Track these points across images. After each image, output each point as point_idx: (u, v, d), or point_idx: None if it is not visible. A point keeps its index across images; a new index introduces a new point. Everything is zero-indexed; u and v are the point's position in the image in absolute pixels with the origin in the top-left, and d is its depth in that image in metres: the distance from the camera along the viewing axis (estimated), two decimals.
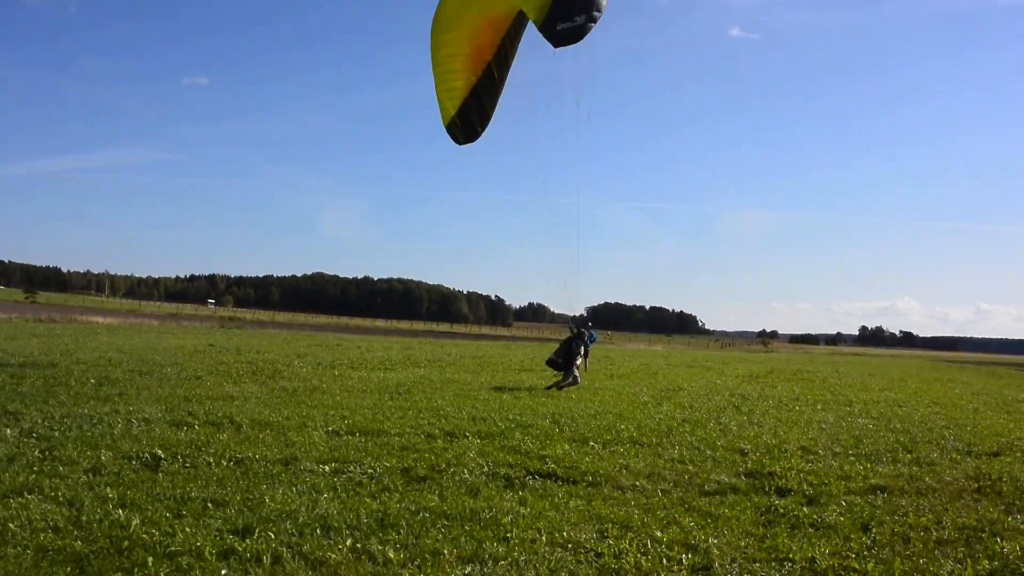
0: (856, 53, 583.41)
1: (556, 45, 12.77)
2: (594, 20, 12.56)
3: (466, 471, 12.32)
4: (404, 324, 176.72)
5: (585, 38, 12.64)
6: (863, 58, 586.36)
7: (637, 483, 12.01)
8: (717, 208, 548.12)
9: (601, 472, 12.53)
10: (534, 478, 12.12)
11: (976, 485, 12.76)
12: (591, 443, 15.30)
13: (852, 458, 14.96)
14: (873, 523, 10.22)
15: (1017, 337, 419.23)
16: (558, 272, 19.81)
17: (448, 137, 16.20)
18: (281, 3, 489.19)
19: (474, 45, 15.23)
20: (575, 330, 26.59)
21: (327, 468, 12.19)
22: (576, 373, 26.04)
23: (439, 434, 15.60)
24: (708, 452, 14.88)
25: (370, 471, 12.09)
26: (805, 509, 10.81)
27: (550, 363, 27.03)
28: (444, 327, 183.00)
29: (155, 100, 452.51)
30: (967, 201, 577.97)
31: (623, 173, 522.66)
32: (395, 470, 12.22)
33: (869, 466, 13.98)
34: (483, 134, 16.12)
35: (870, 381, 41.39)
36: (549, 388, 25.81)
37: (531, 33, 14.55)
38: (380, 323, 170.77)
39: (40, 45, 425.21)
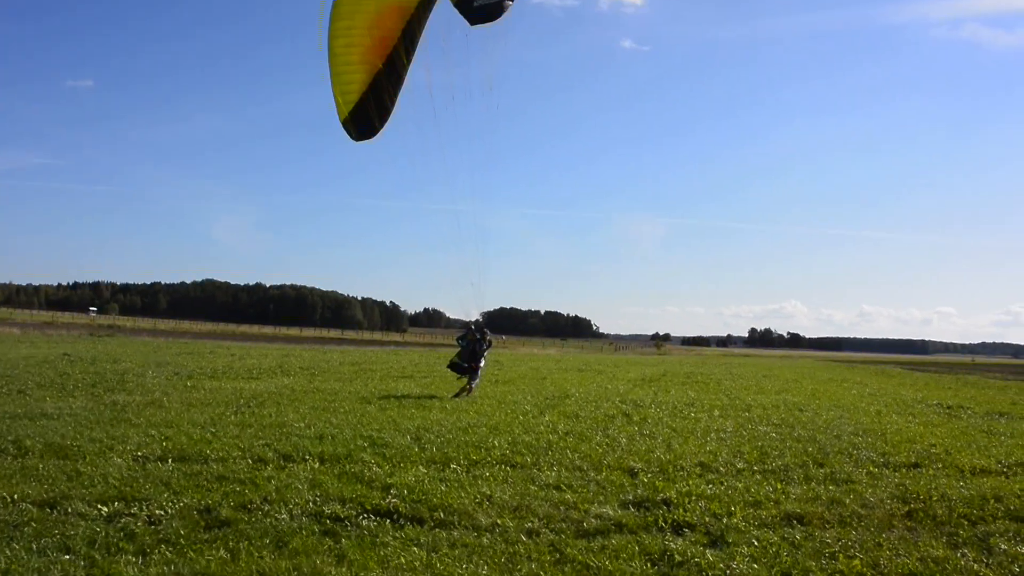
0: (741, 65, 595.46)
1: (472, 23, 12.64)
2: None
3: (284, 510, 9.67)
4: (293, 331, 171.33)
5: (502, 19, 12.65)
6: (748, 70, 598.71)
7: (499, 521, 9.51)
8: (612, 214, 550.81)
9: (456, 507, 10.00)
10: (369, 517, 9.52)
11: (906, 508, 10.68)
12: (453, 465, 12.78)
13: (758, 476, 12.80)
14: (796, 573, 7.95)
15: (897, 337, 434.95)
16: (459, 276, 19.12)
17: (344, 138, 15.14)
18: (169, 4, 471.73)
19: (374, 36, 14.32)
20: (477, 334, 25.01)
21: (104, 510, 9.44)
22: (478, 378, 24.97)
23: (272, 457, 12.93)
24: (591, 474, 12.50)
25: (158, 513, 9.34)
26: (709, 555, 8.47)
27: (453, 367, 25.51)
28: (335, 334, 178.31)
29: (37, 103, 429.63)
30: (850, 208, 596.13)
31: (517, 180, 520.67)
32: (191, 511, 9.49)
33: (780, 487, 11.79)
34: (382, 130, 15.31)
35: (765, 383, 39.89)
36: (453, 396, 24.19)
37: (433, 23, 14.38)
38: (268, 330, 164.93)
39: None
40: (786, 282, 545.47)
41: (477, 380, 25.09)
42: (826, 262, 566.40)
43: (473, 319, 25.11)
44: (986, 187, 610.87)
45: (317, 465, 12.48)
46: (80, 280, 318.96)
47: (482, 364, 25.23)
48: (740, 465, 13.64)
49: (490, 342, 25.39)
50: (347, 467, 12.30)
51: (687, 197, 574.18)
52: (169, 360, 38.43)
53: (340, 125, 15.10)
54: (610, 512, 9.96)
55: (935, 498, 11.30)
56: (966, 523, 10.14)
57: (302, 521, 9.30)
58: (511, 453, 13.94)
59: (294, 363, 41.25)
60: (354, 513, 9.67)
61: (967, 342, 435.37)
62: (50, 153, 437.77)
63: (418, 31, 14.62)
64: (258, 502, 9.99)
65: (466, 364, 25.01)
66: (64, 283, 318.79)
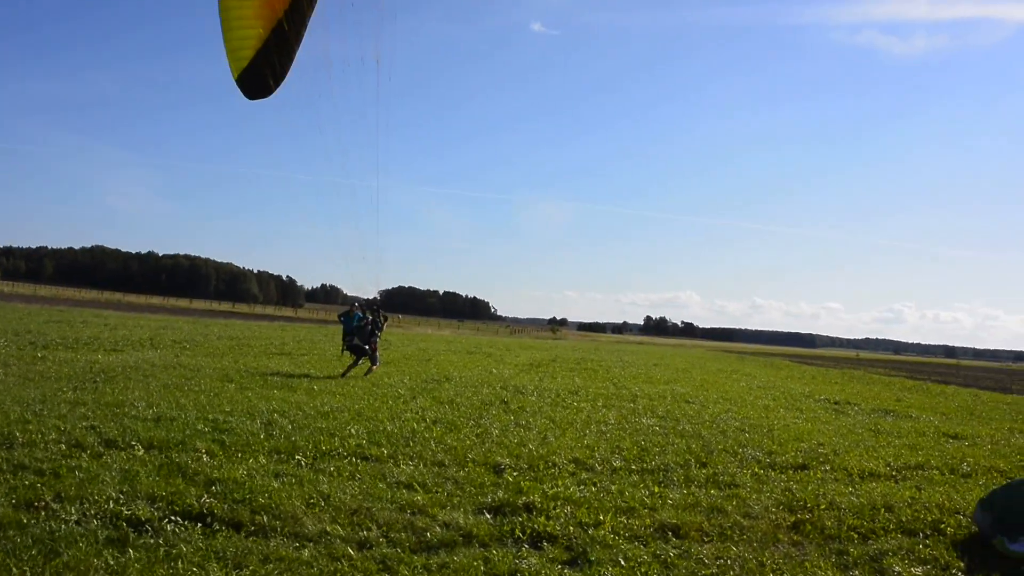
0: (651, 53, 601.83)
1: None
2: None
3: (76, 510, 8.08)
4: (183, 302, 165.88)
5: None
6: (654, 58, 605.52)
7: (329, 529, 8.09)
8: (513, 197, 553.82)
9: (284, 509, 8.53)
10: (177, 521, 7.99)
11: (793, 519, 9.63)
12: (298, 456, 11.28)
13: (635, 476, 11.66)
14: None
15: (785, 330, 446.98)
16: (353, 252, 17.92)
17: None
18: None
19: None
20: (370, 312, 24.51)
21: None
22: (377, 360, 24.65)
23: (92, 443, 11.22)
24: (452, 470, 11.16)
25: None
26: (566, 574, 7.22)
27: (353, 349, 24.50)
28: (225, 306, 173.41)
29: None
30: (748, 203, 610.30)
31: (419, 156, 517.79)
32: None
33: (657, 490, 10.64)
34: (277, 90, 14.20)
35: (655, 372, 39.26)
36: (366, 374, 23.92)
37: None
38: (156, 300, 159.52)
39: None
40: (682, 272, 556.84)
41: (377, 361, 24.61)
42: (722, 254, 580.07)
43: (371, 296, 24.56)
44: (875, 187, 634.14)
45: (140, 453, 10.85)
46: None
47: (375, 343, 24.60)
48: (617, 463, 12.49)
49: (386, 318, 24.69)
50: (173, 456, 10.69)
51: (590, 183, 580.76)
52: (32, 328, 35.65)
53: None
54: (461, 520, 8.60)
55: (823, 506, 10.30)
56: (856, 537, 9.14)
57: (91, 525, 7.72)
58: (367, 443, 12.50)
59: (168, 336, 38.90)
60: (160, 515, 8.13)
61: (852, 337, 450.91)
62: None
63: None
64: (47, 500, 8.37)
65: (364, 345, 24.27)
66: None
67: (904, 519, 9.92)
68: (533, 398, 21.03)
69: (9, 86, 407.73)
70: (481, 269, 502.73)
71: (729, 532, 8.90)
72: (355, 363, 24.23)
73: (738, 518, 9.44)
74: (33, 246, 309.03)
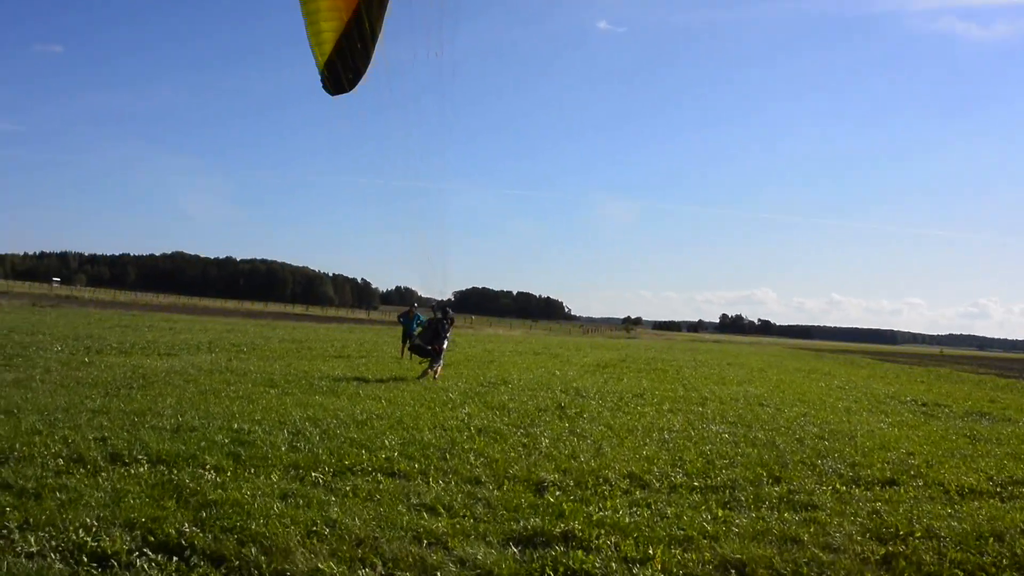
0: (718, 50, 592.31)
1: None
2: None
3: (35, 541, 7.03)
4: (258, 305, 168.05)
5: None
6: (725, 55, 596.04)
7: (323, 565, 6.87)
8: (586, 197, 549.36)
9: (277, 540, 7.33)
10: (148, 556, 6.86)
11: (883, 551, 8.10)
12: (316, 472, 10.11)
13: (697, 495, 10.21)
14: None
15: (866, 326, 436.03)
16: (422, 254, 17.99)
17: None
18: None
19: None
20: (439, 312, 23.59)
21: None
22: (440, 360, 23.47)
23: (94, 457, 10.27)
24: (487, 489, 9.86)
25: None
26: None
27: (415, 349, 24.01)
28: (299, 309, 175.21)
29: (4, 67, 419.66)
30: (822, 197, 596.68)
31: (491, 160, 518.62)
32: None
33: (721, 514, 9.19)
34: (360, 83, 14.28)
35: (728, 372, 37.42)
36: (419, 378, 22.86)
37: None
38: (232, 304, 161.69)
39: None
40: (758, 269, 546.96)
41: (440, 363, 23.44)
42: (798, 250, 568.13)
43: (445, 298, 23.75)
44: (957, 180, 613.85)
45: (142, 469, 9.80)
46: (48, 250, 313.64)
47: (445, 346, 23.49)
48: (678, 478, 11.05)
49: (452, 320, 23.62)
50: (175, 474, 9.60)
51: (662, 180, 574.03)
52: (94, 333, 35.52)
53: (318, 87, 14.33)
54: (482, 555, 7.28)
55: (919, 534, 8.74)
56: None
57: (48, 560, 6.64)
58: (398, 456, 11.28)
59: (230, 339, 38.49)
60: (132, 547, 7.02)
61: (935, 333, 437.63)
62: (19, 120, 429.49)
63: None
64: (14, 526, 7.33)
65: (428, 346, 23.31)
66: (31, 252, 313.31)
67: (1019, 551, 8.31)
68: (594, 402, 19.62)
69: (87, 98, 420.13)
70: (555, 269, 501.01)
71: (806, 571, 7.42)
72: (431, 365, 23.33)
73: (816, 551, 7.94)
74: (116, 253, 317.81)
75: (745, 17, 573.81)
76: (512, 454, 12.06)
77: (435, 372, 23.18)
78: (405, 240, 18.73)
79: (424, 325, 25.21)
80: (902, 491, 11.14)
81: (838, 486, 11.16)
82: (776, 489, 10.71)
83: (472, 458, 11.56)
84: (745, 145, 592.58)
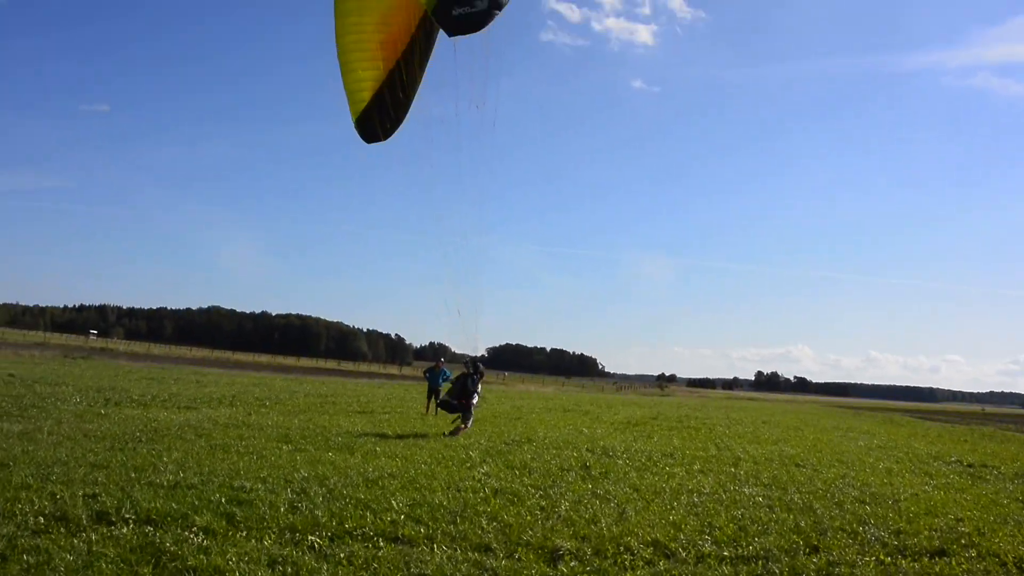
0: (752, 108, 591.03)
1: (451, 33, 11.88)
2: (499, 8, 11.55)
3: None
4: (290, 360, 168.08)
5: (487, 29, 11.69)
6: (760, 113, 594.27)
7: None
8: (621, 253, 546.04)
9: None
10: None
11: None
12: (313, 536, 9.35)
13: (727, 566, 9.34)
14: None
15: (904, 384, 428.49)
16: (455, 310, 18.03)
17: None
18: (182, 30, 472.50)
19: (385, 32, 13.56)
20: (469, 367, 22.77)
21: None
22: (472, 415, 22.71)
23: (78, 516, 9.72)
24: (497, 558, 9.05)
25: None
26: None
27: (443, 405, 23.48)
28: (331, 364, 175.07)
29: (51, 125, 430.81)
30: (858, 254, 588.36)
31: (525, 216, 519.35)
32: None
33: None
34: (394, 133, 14.62)
35: (763, 430, 36.18)
36: (449, 435, 21.93)
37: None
38: (264, 358, 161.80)
39: None
40: (794, 326, 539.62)
41: (471, 418, 22.77)
42: (834, 307, 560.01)
43: (477, 354, 22.93)
44: (994, 234, 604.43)
45: (126, 530, 9.13)
46: (87, 303, 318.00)
47: (475, 401, 22.77)
48: (707, 547, 10.17)
49: (482, 374, 22.83)
50: (159, 535, 8.90)
51: (696, 238, 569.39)
52: (118, 386, 35.08)
53: (353, 136, 14.58)
54: None
55: None
56: None
57: None
58: (404, 520, 10.51)
59: (255, 393, 37.92)
60: None
61: (975, 391, 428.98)
62: (64, 175, 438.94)
63: (432, 31, 13.77)
64: None
65: (455, 401, 22.70)
66: (71, 305, 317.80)
67: None
68: (621, 462, 18.70)
69: (130, 155, 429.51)
70: (589, 326, 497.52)
71: None
72: (463, 421, 22.61)
73: None
74: (154, 307, 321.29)
75: (779, 76, 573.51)
76: (528, 518, 11.24)
77: (464, 427, 22.53)
78: (437, 294, 18.50)
79: (452, 381, 24.59)
80: (953, 563, 10.17)
81: (882, 556, 10.23)
82: (814, 560, 9.81)
83: (484, 522, 10.76)
84: (781, 203, 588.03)
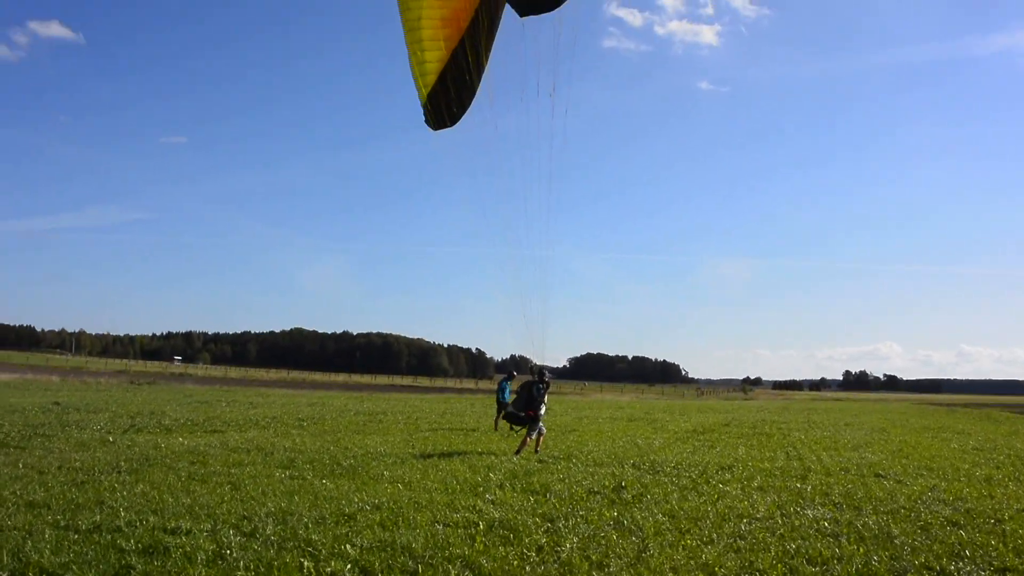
0: (822, 102, 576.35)
1: (523, 13, 11.94)
2: None
3: None
4: (367, 378, 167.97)
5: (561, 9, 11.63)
6: (830, 107, 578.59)
7: None
8: (698, 257, 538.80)
9: None
10: None
11: None
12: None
13: None
14: None
15: (999, 378, 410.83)
16: (525, 319, 17.34)
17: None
18: (259, 61, 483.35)
19: (449, 6, 12.93)
20: (535, 376, 20.96)
21: None
22: (541, 424, 20.72)
23: None
24: None
25: None
26: None
27: (509, 417, 21.49)
28: (408, 380, 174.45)
29: (132, 159, 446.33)
30: (946, 244, 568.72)
31: (601, 225, 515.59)
32: None
33: None
34: (461, 118, 14.13)
35: (844, 434, 32.80)
36: (517, 453, 20.09)
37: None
38: (340, 377, 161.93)
39: (15, 103, 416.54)
40: (881, 322, 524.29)
41: (537, 431, 20.84)
42: (922, 300, 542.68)
43: (547, 364, 21.29)
44: None
45: None
46: (173, 330, 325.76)
47: (542, 412, 20.73)
48: None
49: (548, 384, 20.82)
50: None
51: (776, 238, 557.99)
52: (160, 410, 33.64)
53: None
54: None
55: None
56: None
57: None
58: (349, 570, 8.20)
59: (308, 412, 36.19)
60: None
61: None
62: (146, 208, 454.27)
63: (496, 12, 13.20)
64: None
65: (522, 413, 20.73)
66: (159, 333, 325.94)
67: None
68: (665, 479, 16.07)
69: (208, 184, 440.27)
70: (671, 333, 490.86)
71: None
72: (528, 434, 20.65)
73: None
74: (239, 331, 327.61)
75: (848, 67, 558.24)
76: (515, 563, 8.81)
77: (537, 441, 20.76)
78: (509, 306, 17.23)
79: (515, 392, 22.74)
80: None
81: None
82: None
83: (453, 571, 8.36)
84: (860, 196, 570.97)
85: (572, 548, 9.62)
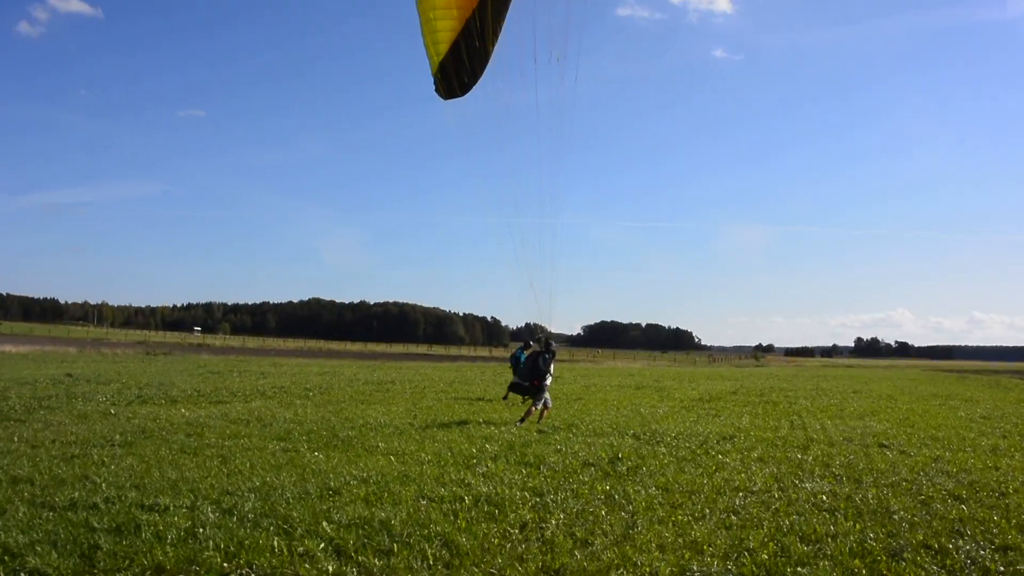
0: (838, 69, 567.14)
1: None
2: None
3: None
4: (382, 347, 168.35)
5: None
6: (846, 74, 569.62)
7: None
8: (711, 225, 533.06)
9: None
10: None
11: None
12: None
13: None
14: None
15: (1011, 344, 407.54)
16: (533, 287, 17.49)
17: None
18: (276, 34, 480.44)
19: None
20: (540, 345, 20.69)
21: None
22: (547, 395, 20.57)
23: None
24: None
25: None
26: None
27: (515, 387, 21.99)
28: (422, 348, 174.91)
29: (152, 132, 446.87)
30: (958, 211, 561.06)
31: (615, 194, 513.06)
32: None
33: None
34: (473, 88, 14.41)
35: (850, 402, 32.34)
36: (521, 421, 19.91)
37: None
38: (356, 346, 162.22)
39: (37, 78, 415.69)
40: (893, 289, 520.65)
41: (542, 401, 20.47)
42: (934, 267, 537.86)
43: (575, 331, 21.04)
44: None
45: None
46: (194, 301, 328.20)
47: (547, 382, 20.47)
48: None
49: (553, 353, 20.55)
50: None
51: (789, 205, 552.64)
52: (170, 381, 33.51)
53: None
54: None
55: None
56: None
57: None
58: (323, 549, 7.95)
59: (316, 382, 36.02)
60: None
61: None
62: (166, 180, 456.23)
63: None
64: None
65: (526, 383, 20.62)
66: (179, 304, 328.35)
67: None
68: (664, 450, 15.76)
69: (228, 157, 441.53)
70: (685, 300, 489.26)
71: None
72: (534, 404, 20.43)
73: None
74: (258, 301, 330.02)
75: (863, 34, 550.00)
76: (495, 542, 8.54)
77: (541, 413, 20.39)
78: (514, 274, 17.23)
79: (524, 361, 22.42)
80: None
81: None
82: None
83: (431, 551, 8.10)
84: (874, 163, 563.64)
85: (557, 525, 9.34)
